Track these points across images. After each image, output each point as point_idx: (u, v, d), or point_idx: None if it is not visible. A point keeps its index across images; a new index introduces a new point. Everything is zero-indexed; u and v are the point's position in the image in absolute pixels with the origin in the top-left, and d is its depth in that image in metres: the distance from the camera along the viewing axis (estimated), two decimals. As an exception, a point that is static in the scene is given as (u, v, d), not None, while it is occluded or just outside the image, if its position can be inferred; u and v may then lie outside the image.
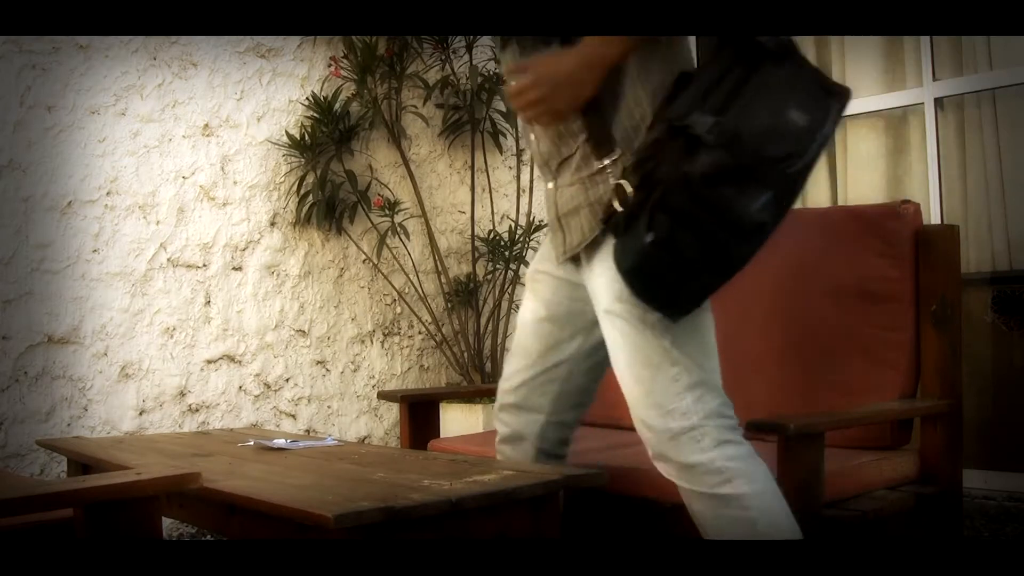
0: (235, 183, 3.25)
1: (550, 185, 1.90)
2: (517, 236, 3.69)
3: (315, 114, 3.41)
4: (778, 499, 1.79)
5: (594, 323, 1.91)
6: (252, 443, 2.33)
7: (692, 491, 1.78)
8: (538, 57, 1.79)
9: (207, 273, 3.18)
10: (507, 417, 2.06)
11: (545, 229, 3.86)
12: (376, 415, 3.57)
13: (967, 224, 3.22)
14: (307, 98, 3.42)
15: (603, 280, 1.80)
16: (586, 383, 2.04)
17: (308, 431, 3.35)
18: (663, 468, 1.82)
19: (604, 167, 1.78)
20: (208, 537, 2.99)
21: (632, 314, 1.77)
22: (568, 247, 1.88)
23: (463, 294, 3.69)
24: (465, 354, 3.64)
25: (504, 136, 3.85)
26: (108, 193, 2.99)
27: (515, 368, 2.05)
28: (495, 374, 3.48)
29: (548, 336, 2.02)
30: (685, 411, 1.76)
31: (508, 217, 3.86)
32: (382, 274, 3.56)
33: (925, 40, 3.25)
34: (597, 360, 1.99)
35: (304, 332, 3.38)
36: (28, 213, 2.85)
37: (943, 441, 2.29)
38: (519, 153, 3.85)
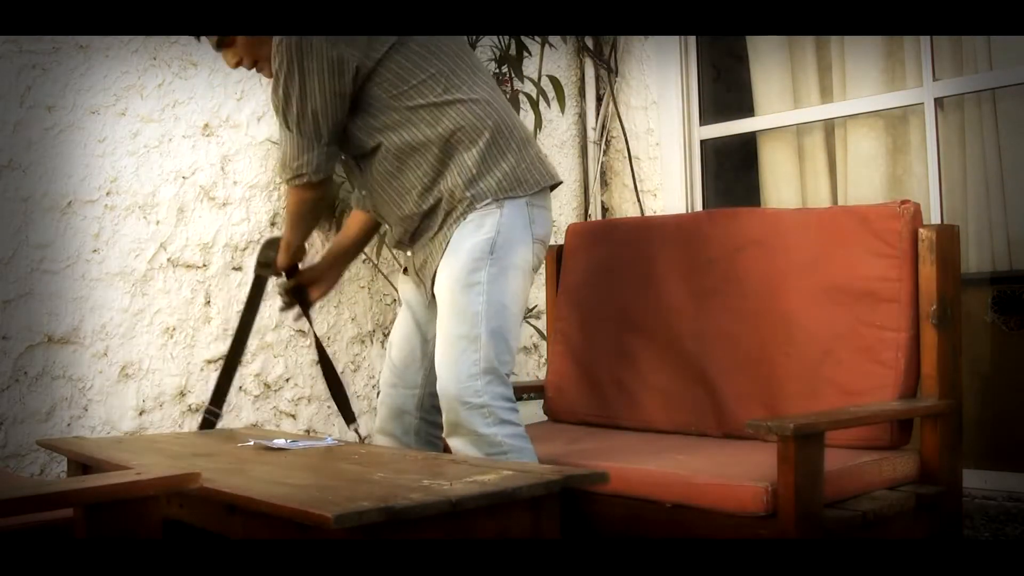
0: (235, 183, 3.25)
1: (408, 253, 2.48)
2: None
3: (315, 114, 3.41)
4: None
5: None
6: (252, 443, 2.33)
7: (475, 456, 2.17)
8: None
9: (207, 273, 3.18)
10: (390, 398, 2.56)
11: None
12: (376, 415, 3.56)
13: (967, 224, 3.22)
14: (307, 98, 3.41)
15: (440, 278, 2.30)
16: None
17: (308, 431, 3.35)
18: (457, 440, 2.22)
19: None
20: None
21: (455, 306, 2.23)
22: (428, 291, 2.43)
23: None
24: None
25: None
26: (108, 193, 2.98)
27: (394, 356, 2.56)
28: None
29: (414, 325, 2.53)
30: (478, 391, 2.18)
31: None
32: (382, 274, 3.56)
33: (925, 40, 3.25)
34: None
35: (304, 332, 3.38)
36: (28, 213, 2.85)
37: (943, 441, 2.29)
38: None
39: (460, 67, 2.32)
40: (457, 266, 2.25)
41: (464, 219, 2.28)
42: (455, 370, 2.20)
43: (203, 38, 2.42)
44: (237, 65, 2.41)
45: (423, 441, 2.53)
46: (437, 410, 2.44)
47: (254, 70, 2.44)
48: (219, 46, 2.39)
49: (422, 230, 2.37)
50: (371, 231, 2.77)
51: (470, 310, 2.21)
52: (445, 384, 2.21)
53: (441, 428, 2.48)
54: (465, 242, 2.26)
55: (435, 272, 2.34)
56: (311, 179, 2.33)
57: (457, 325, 2.22)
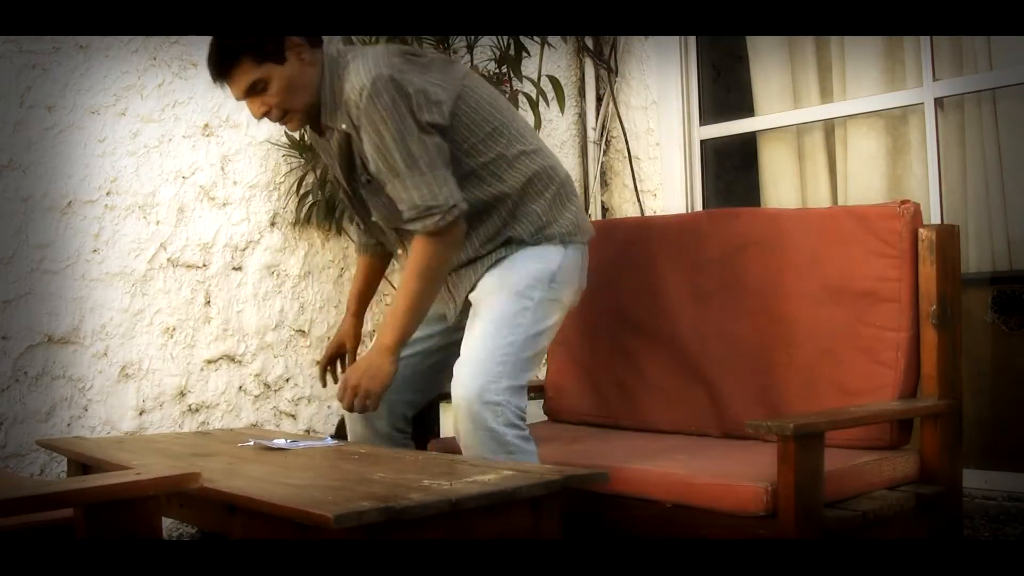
0: (235, 183, 3.25)
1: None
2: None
3: (315, 114, 3.40)
4: None
5: (448, 329, 2.45)
6: (252, 443, 2.33)
7: (478, 456, 2.19)
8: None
9: (207, 273, 3.18)
10: None
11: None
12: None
13: (967, 224, 3.22)
14: (307, 98, 3.41)
15: (486, 284, 2.32)
16: (430, 374, 2.51)
17: (308, 431, 3.35)
18: (463, 434, 2.21)
19: None
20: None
21: (500, 310, 2.26)
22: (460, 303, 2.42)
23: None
24: (465, 354, 3.63)
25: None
26: (108, 193, 2.99)
27: None
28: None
29: None
30: (497, 391, 2.19)
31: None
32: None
33: (925, 40, 3.25)
34: (441, 357, 2.45)
35: (304, 332, 3.38)
36: (28, 213, 2.85)
37: (943, 441, 2.29)
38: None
39: (513, 119, 2.38)
40: (513, 278, 2.31)
41: (525, 246, 2.34)
42: (482, 367, 2.22)
43: (225, 85, 2.23)
44: (263, 116, 2.27)
45: (395, 447, 2.53)
46: (406, 419, 2.54)
47: (279, 123, 2.32)
48: (247, 94, 2.22)
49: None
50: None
51: (516, 319, 2.27)
52: (467, 378, 2.22)
53: (410, 435, 2.58)
54: (526, 263, 2.32)
55: (475, 284, 2.36)
56: (461, 207, 2.22)
57: (497, 326, 2.26)
